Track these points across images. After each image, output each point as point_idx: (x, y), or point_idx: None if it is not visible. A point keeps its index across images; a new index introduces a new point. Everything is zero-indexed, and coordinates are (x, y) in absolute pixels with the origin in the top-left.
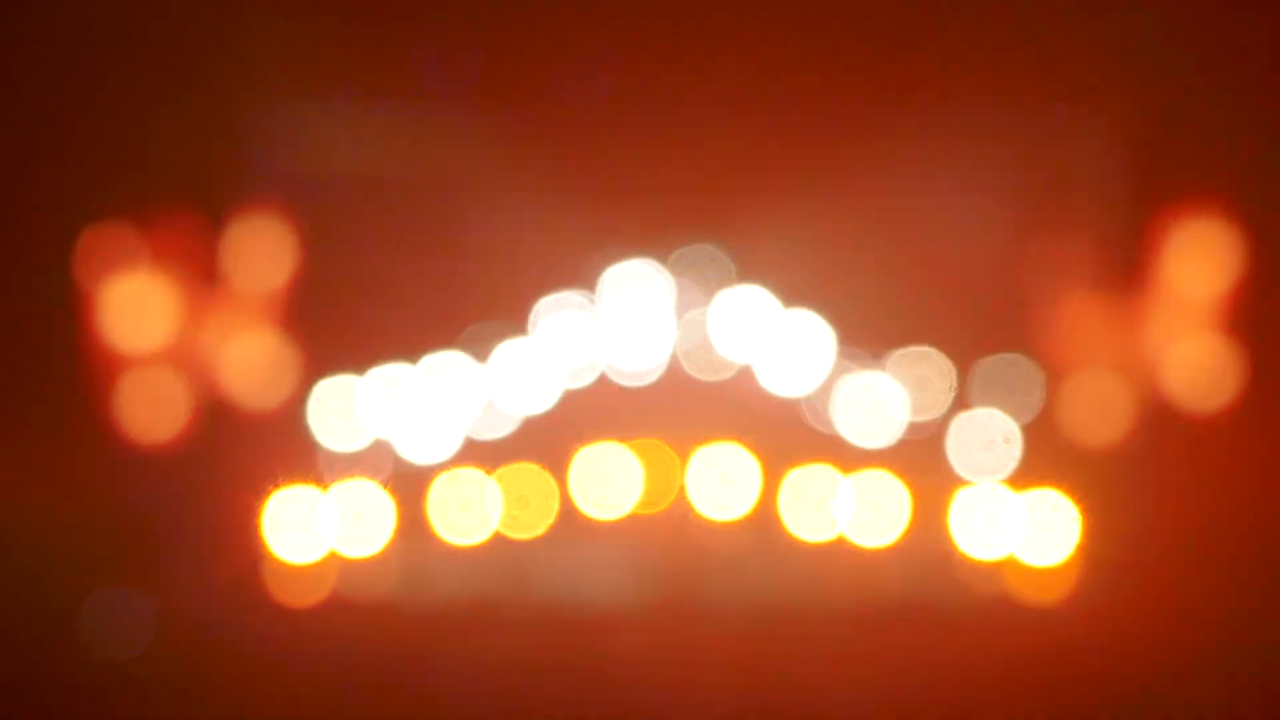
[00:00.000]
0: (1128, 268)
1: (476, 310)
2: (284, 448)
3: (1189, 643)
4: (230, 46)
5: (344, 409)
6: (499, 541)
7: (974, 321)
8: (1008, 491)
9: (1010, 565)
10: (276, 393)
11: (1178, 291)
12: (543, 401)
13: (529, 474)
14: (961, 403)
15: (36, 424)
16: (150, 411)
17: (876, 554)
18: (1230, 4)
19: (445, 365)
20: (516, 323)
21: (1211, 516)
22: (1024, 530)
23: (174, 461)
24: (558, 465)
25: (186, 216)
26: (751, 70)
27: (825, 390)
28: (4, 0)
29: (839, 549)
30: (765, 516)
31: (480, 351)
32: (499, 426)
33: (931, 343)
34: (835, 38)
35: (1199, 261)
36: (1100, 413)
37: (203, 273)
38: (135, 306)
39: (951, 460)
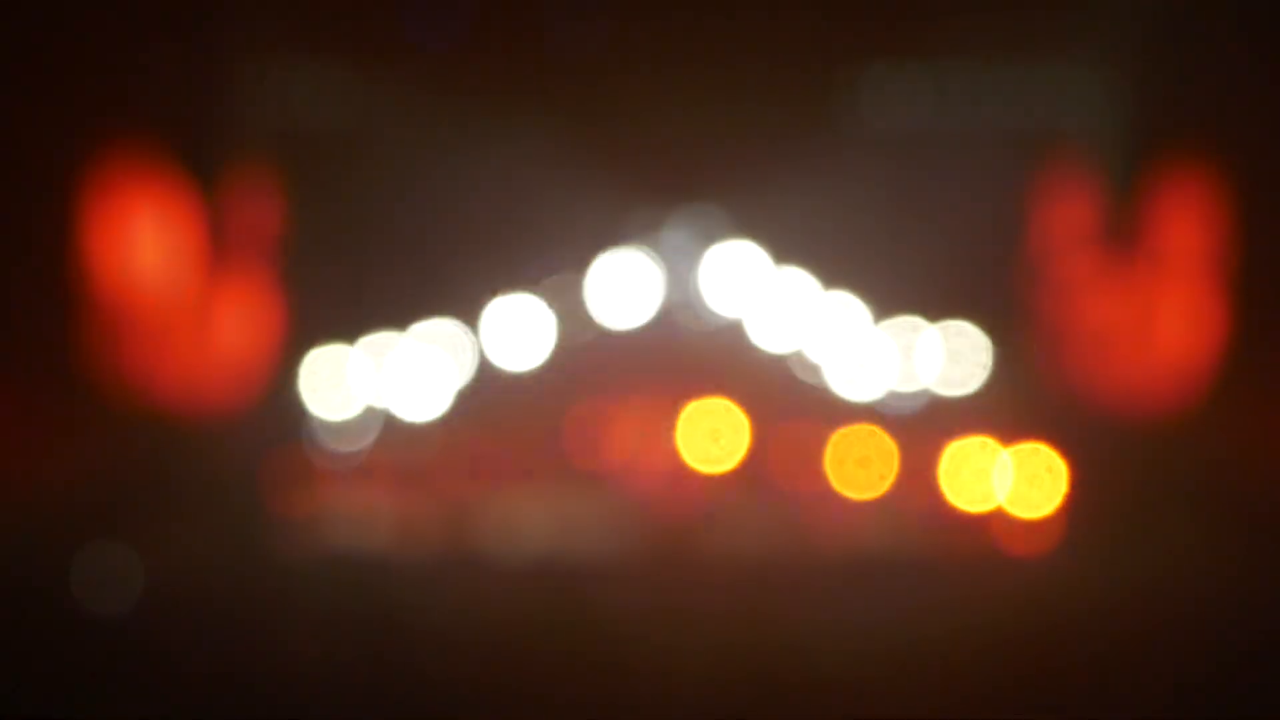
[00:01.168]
0: (1125, 227)
1: (467, 272)
2: (275, 408)
3: (1175, 595)
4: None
5: (335, 373)
6: (493, 496)
7: (969, 283)
8: (996, 446)
9: (998, 518)
10: (267, 354)
11: (1175, 249)
12: (537, 359)
13: (528, 429)
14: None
15: (30, 383)
16: (142, 369)
17: (867, 507)
18: None
19: (436, 329)
20: (510, 282)
21: (1201, 470)
22: (1011, 483)
23: (165, 420)
24: (554, 421)
25: (176, 175)
26: (746, 28)
27: (815, 345)
28: None
29: (829, 502)
30: (755, 471)
31: (473, 312)
32: (492, 385)
33: (923, 307)
34: None
35: (1197, 220)
36: (1092, 370)
37: (193, 232)
38: (124, 265)
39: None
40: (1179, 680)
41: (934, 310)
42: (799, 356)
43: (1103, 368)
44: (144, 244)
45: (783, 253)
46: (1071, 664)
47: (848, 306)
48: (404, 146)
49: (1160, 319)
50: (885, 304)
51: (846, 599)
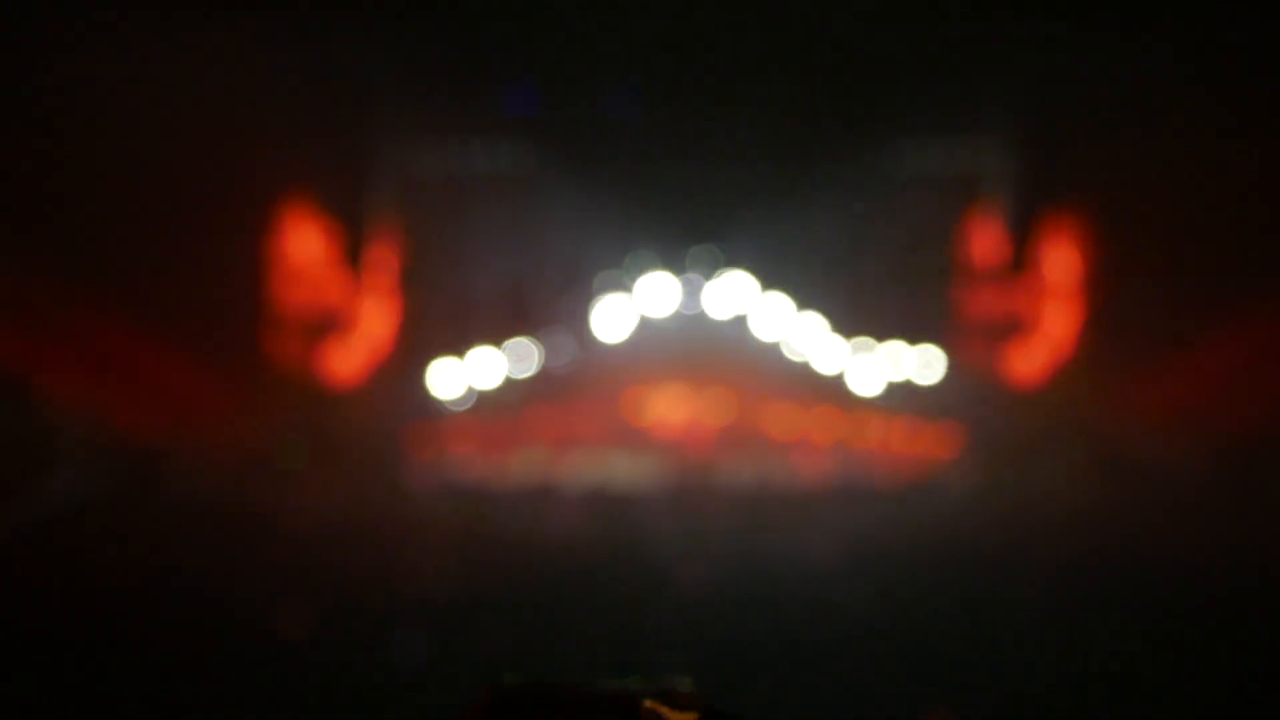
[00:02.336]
0: (1020, 254)
1: (542, 293)
2: (407, 391)
3: (1048, 510)
4: (361, 86)
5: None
6: (561, 445)
7: (904, 310)
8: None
9: (922, 458)
10: (401, 353)
11: (1052, 271)
12: (595, 352)
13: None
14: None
15: (235, 372)
16: (311, 363)
17: (829, 452)
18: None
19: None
20: (579, 297)
21: (1068, 425)
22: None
23: (329, 397)
24: (607, 394)
25: (334, 225)
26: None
27: (792, 342)
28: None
29: (802, 449)
30: (749, 427)
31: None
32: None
33: (871, 329)
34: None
35: (1069, 249)
36: (994, 359)
37: (347, 267)
38: (298, 288)
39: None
40: (1045, 565)
41: (882, 325)
42: (784, 349)
43: (1002, 357)
44: (313, 274)
45: (767, 280)
46: (975, 555)
47: (816, 323)
48: (495, 202)
49: (1041, 320)
50: (844, 322)
51: (814, 513)
